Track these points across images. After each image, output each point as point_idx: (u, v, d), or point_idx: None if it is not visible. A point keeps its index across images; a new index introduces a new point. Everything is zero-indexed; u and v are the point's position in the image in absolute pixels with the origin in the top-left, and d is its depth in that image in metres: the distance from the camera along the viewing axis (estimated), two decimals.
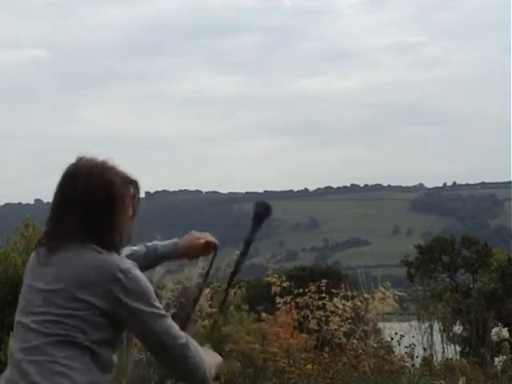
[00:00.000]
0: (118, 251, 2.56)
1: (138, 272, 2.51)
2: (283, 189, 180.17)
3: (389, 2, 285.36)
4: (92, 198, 2.52)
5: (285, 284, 10.63)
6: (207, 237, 3.00)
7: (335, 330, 9.92)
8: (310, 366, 8.53)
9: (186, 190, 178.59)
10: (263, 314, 10.24)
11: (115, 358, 2.58)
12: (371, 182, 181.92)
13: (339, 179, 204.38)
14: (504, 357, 7.73)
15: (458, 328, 9.61)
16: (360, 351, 8.96)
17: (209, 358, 2.65)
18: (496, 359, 7.82)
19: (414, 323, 9.60)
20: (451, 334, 9.76)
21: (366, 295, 10.47)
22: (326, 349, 9.23)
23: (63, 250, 2.52)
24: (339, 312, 10.03)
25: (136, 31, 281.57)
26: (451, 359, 9.24)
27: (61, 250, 2.52)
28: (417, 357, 8.99)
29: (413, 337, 9.34)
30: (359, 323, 10.00)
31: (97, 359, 2.48)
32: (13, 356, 2.50)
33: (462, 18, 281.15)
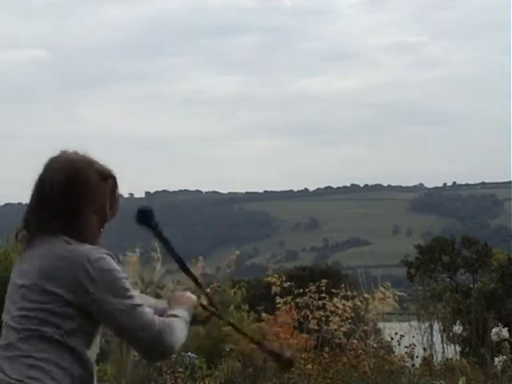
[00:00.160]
0: (89, 243, 2.55)
1: (108, 262, 2.50)
2: (283, 189, 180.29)
3: (389, 2, 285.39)
4: (65, 190, 2.54)
5: (285, 284, 10.63)
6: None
7: (335, 329, 9.92)
8: (310, 366, 8.53)
9: (185, 190, 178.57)
10: (263, 314, 10.25)
11: (93, 351, 2.56)
12: (371, 182, 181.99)
13: (339, 179, 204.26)
14: (504, 357, 7.73)
15: (458, 328, 9.60)
16: (360, 351, 8.95)
17: (184, 311, 2.68)
18: (496, 359, 7.82)
19: (414, 323, 9.60)
20: (451, 334, 9.76)
21: (365, 295, 10.48)
22: (326, 349, 9.23)
23: (37, 243, 2.54)
24: (339, 312, 10.04)
25: (136, 31, 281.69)
26: (451, 359, 9.24)
27: (35, 244, 2.55)
28: (417, 357, 8.99)
29: (413, 337, 9.34)
30: (359, 323, 10.00)
31: (71, 352, 2.48)
32: None
33: (462, 18, 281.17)
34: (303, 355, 8.92)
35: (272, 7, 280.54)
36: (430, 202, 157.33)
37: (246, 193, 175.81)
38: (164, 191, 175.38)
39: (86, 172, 2.57)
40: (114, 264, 2.52)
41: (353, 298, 10.39)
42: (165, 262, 10.01)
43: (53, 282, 2.47)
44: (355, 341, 9.64)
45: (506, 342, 7.81)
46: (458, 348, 10.12)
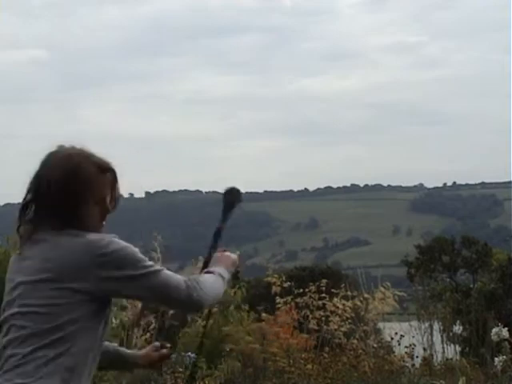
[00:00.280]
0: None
1: (117, 242, 2.50)
2: (283, 189, 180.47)
3: (389, 2, 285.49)
4: (64, 187, 2.53)
5: (285, 284, 10.63)
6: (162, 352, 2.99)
7: (335, 329, 9.92)
8: (310, 366, 8.53)
9: (185, 190, 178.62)
10: (263, 314, 10.24)
11: (100, 346, 2.55)
12: (371, 182, 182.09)
13: (339, 179, 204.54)
14: (504, 357, 7.72)
15: (458, 328, 9.60)
16: (360, 351, 8.95)
17: (223, 267, 2.77)
18: (496, 359, 7.82)
19: (414, 323, 9.60)
20: (451, 334, 9.76)
21: (366, 295, 10.48)
22: (326, 349, 9.23)
23: (39, 240, 2.53)
24: (339, 312, 10.03)
25: (136, 31, 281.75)
26: (451, 359, 9.24)
27: (37, 241, 2.53)
28: (417, 357, 8.99)
29: (413, 337, 9.34)
30: (359, 323, 10.00)
31: (81, 346, 2.46)
32: None
33: (462, 18, 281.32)
34: (303, 355, 8.92)
35: (272, 7, 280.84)
36: (429, 202, 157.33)
37: (246, 193, 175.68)
38: (164, 191, 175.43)
39: (85, 166, 2.56)
40: (122, 242, 2.52)
41: (353, 297, 10.38)
42: (165, 261, 10.01)
43: (71, 277, 2.45)
44: (355, 341, 9.64)
45: (506, 342, 7.81)
46: (458, 348, 10.12)
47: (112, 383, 8.68)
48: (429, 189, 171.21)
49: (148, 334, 9.35)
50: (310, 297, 10.20)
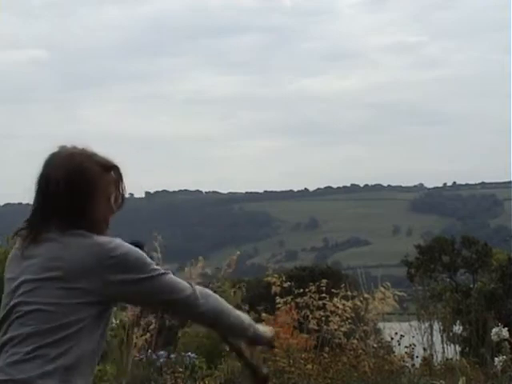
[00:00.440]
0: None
1: (125, 245, 2.50)
2: (283, 189, 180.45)
3: (389, 2, 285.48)
4: (67, 187, 2.51)
5: (285, 284, 10.62)
6: None
7: (335, 329, 9.91)
8: (310, 366, 8.52)
9: (186, 190, 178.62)
10: (263, 314, 10.24)
11: (101, 345, 2.55)
12: (371, 182, 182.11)
13: (339, 179, 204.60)
14: (504, 357, 7.72)
15: (458, 328, 9.60)
16: (360, 351, 8.95)
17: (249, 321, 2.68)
18: (496, 359, 7.82)
19: (414, 323, 9.59)
20: (451, 334, 9.75)
21: (366, 295, 10.47)
22: (326, 349, 9.23)
23: (43, 241, 2.51)
24: (339, 312, 10.03)
25: (136, 31, 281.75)
26: (451, 359, 9.23)
27: (41, 242, 2.51)
28: (417, 357, 8.98)
29: (413, 337, 9.34)
30: (359, 323, 10.00)
31: (83, 346, 2.46)
32: None
33: (462, 18, 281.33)
34: (303, 355, 8.92)
35: (272, 7, 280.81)
36: (430, 202, 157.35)
37: (246, 193, 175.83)
38: (164, 191, 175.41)
39: (88, 165, 2.55)
40: (129, 245, 2.52)
41: (353, 298, 10.38)
42: (165, 262, 10.01)
43: (79, 277, 2.44)
44: (355, 341, 9.63)
45: (506, 342, 7.81)
46: (458, 348, 10.11)
47: (112, 383, 8.68)
48: (429, 189, 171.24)
49: (148, 334, 9.35)
50: (310, 297, 10.20)
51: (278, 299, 10.41)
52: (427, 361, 8.93)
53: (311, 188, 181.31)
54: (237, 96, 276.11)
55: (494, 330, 7.91)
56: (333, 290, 10.50)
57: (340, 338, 9.82)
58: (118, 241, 2.51)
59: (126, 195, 2.67)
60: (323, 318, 9.98)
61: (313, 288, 10.27)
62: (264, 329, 2.76)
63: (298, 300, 10.23)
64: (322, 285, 10.30)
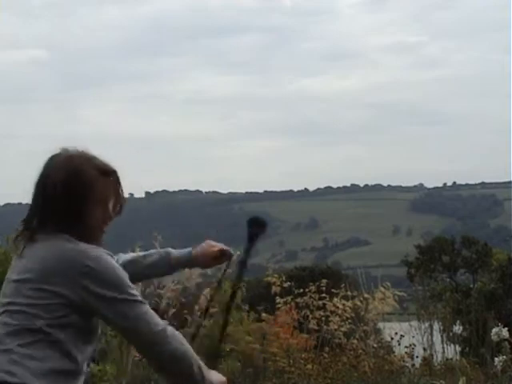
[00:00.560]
0: (91, 242, 2.53)
1: (108, 260, 2.48)
2: (283, 189, 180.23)
3: (389, 2, 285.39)
4: (65, 189, 2.52)
5: (285, 284, 10.63)
6: (221, 246, 2.96)
7: (335, 329, 9.92)
8: (310, 366, 8.53)
9: (186, 190, 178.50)
10: (263, 314, 10.24)
11: (86, 350, 2.53)
12: (371, 182, 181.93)
13: (339, 179, 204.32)
14: (504, 357, 7.72)
15: (458, 328, 9.59)
16: (360, 351, 8.95)
17: (207, 370, 2.59)
18: (496, 359, 7.81)
19: (414, 323, 9.59)
20: (451, 333, 9.75)
21: (366, 295, 10.47)
22: (326, 349, 9.23)
23: (38, 242, 2.52)
24: (339, 312, 10.03)
25: (136, 31, 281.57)
26: (451, 359, 9.24)
27: (35, 241, 2.53)
28: (417, 357, 8.99)
29: (413, 337, 9.34)
30: (359, 323, 10.00)
31: (59, 348, 2.45)
32: None
33: (462, 18, 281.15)
34: (303, 355, 8.92)
35: (272, 7, 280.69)
36: (430, 202, 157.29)
37: (246, 193, 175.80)
38: (164, 191, 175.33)
39: (86, 168, 2.54)
40: (113, 262, 2.51)
41: (353, 297, 10.38)
42: None
43: (52, 280, 2.45)
44: (355, 341, 9.64)
45: (506, 342, 7.80)
46: (458, 348, 10.12)
47: (112, 383, 8.69)
48: (429, 189, 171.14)
49: None
50: (310, 297, 10.20)
51: (278, 299, 10.41)
52: (427, 361, 8.93)
53: (311, 188, 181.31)
54: (237, 96, 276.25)
55: (494, 330, 7.90)
56: (333, 290, 10.51)
57: (340, 338, 9.83)
58: (105, 255, 2.49)
59: (125, 201, 2.65)
60: (323, 318, 9.98)
61: (313, 288, 10.28)
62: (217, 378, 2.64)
63: (298, 300, 10.23)
64: (321, 285, 10.31)
